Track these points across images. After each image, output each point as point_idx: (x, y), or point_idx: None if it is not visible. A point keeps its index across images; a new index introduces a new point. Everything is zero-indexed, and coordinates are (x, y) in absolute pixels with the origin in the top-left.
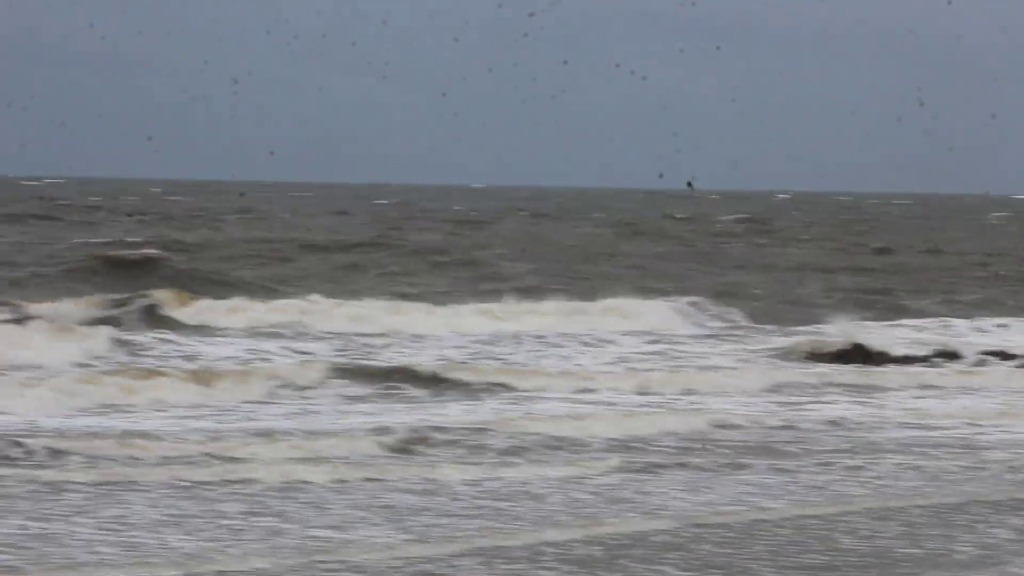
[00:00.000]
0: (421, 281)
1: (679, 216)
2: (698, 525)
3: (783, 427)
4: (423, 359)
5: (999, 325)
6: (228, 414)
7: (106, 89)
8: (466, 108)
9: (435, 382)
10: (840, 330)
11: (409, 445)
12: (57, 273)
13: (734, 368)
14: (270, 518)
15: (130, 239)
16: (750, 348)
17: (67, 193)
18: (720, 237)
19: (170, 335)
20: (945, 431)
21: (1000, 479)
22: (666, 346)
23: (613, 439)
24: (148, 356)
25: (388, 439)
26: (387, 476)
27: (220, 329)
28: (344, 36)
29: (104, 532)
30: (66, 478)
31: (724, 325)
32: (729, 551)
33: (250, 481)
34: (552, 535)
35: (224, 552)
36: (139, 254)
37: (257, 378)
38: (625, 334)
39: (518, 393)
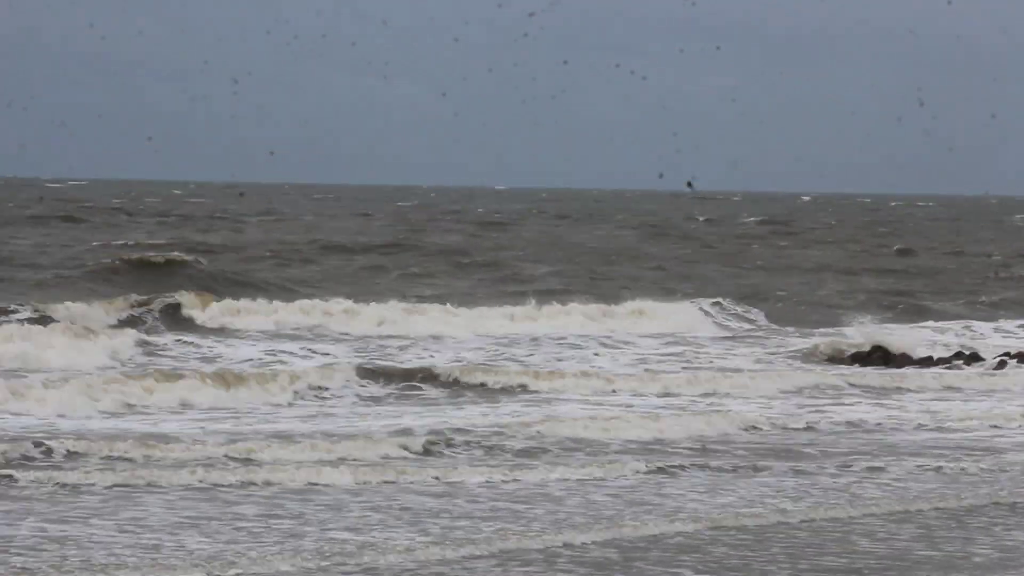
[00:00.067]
0: (442, 283)
1: (701, 218)
2: (715, 527)
3: (803, 429)
4: (443, 361)
5: (1022, 326)
6: (247, 416)
7: (106, 89)
8: (466, 108)
9: (454, 384)
10: (862, 332)
11: (428, 447)
12: (80, 275)
13: (755, 370)
14: (289, 520)
15: (153, 241)
16: (771, 350)
17: (90, 195)
18: (742, 239)
19: (191, 337)
20: (965, 433)
21: (1019, 482)
22: (687, 348)
23: (632, 441)
24: (169, 358)
25: (407, 441)
26: (405, 478)
27: (241, 331)
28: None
29: (123, 534)
30: (85, 480)
31: (746, 327)
32: (746, 553)
33: (269, 483)
34: (568, 537)
35: (243, 555)
36: (162, 256)
37: (277, 380)
38: (647, 336)
39: (537, 395)
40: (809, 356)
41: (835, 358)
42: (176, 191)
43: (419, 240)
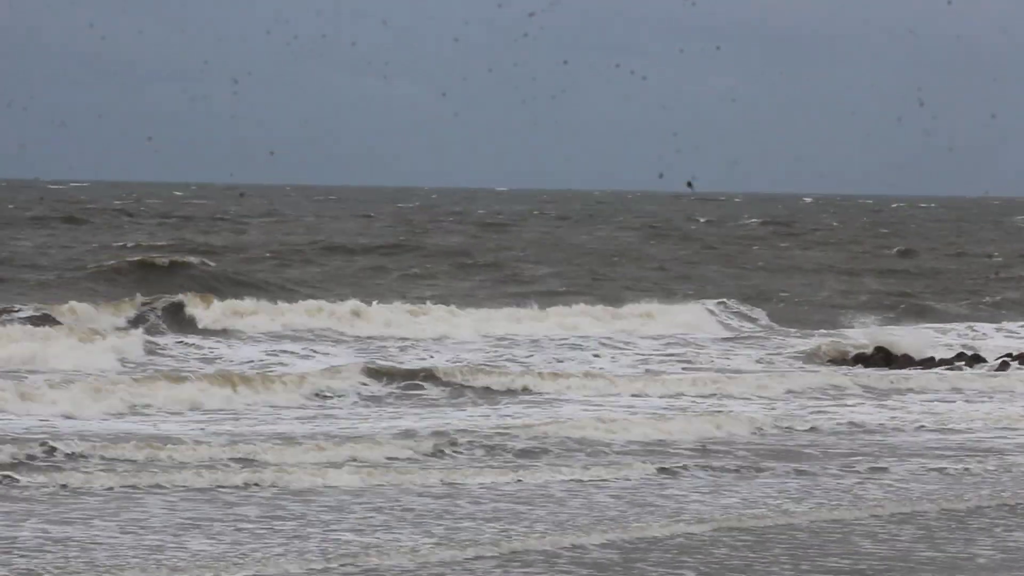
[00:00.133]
0: (444, 283)
1: (702, 219)
2: (717, 529)
3: (805, 430)
4: (443, 361)
5: None
6: (249, 417)
7: (106, 89)
8: (466, 108)
9: (457, 385)
10: (864, 333)
11: (430, 448)
12: (83, 276)
13: (757, 371)
14: (291, 522)
15: (155, 243)
16: (773, 351)
17: (91, 196)
18: (744, 240)
19: (194, 338)
20: (967, 435)
21: (1022, 483)
22: (688, 349)
23: (634, 442)
24: (171, 359)
25: (409, 442)
26: (408, 479)
27: (244, 332)
28: (344, 36)
29: (125, 535)
30: (87, 481)
31: (748, 328)
32: (748, 554)
33: (271, 485)
34: (570, 538)
35: (247, 556)
36: (165, 257)
37: (279, 382)
38: (649, 337)
39: (539, 396)
40: (812, 357)
41: (838, 359)
42: (177, 192)
43: (420, 241)
